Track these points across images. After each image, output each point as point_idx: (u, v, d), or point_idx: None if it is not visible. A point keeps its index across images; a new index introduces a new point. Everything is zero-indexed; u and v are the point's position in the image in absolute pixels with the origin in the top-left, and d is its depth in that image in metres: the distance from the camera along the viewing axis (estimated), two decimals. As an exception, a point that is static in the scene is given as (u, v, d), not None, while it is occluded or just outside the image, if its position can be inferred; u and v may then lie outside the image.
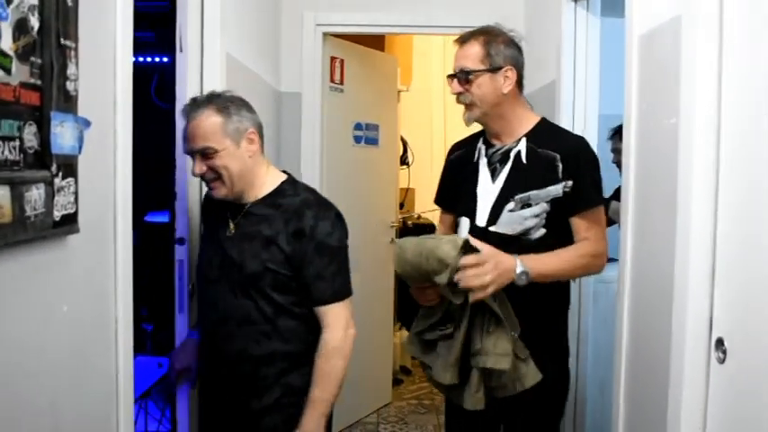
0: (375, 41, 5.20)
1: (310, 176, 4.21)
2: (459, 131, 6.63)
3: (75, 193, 1.43)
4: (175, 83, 2.43)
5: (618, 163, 3.89)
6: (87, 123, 1.46)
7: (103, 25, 1.64)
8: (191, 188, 2.49)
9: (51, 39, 1.31)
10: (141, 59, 5.06)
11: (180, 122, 2.41)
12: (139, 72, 4.69)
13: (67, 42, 1.37)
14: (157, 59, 4.41)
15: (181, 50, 2.44)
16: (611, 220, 3.68)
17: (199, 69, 2.61)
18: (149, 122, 2.41)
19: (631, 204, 2.34)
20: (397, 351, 5.77)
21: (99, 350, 1.66)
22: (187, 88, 2.44)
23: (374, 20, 4.24)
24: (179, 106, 2.43)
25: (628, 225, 2.35)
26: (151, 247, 3.64)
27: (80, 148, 1.44)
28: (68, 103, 1.38)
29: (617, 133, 3.87)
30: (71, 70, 1.39)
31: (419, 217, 6.57)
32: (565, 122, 3.29)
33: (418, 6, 4.22)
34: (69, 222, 1.41)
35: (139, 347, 4.41)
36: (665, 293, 2.00)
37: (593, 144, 3.32)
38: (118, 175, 1.69)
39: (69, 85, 1.38)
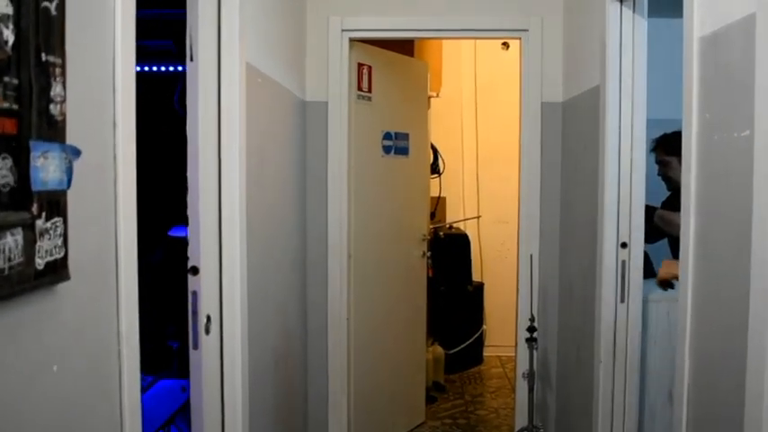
0: (404, 46, 4.99)
1: (338, 190, 4.01)
2: (491, 137, 6.52)
3: (64, 235, 1.22)
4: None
5: (664, 176, 3.64)
6: (77, 152, 1.26)
7: (98, 36, 1.43)
8: (206, 211, 2.29)
9: (30, 55, 1.11)
10: (162, 69, 4.94)
11: (192, 138, 2.22)
12: (160, 82, 4.60)
13: (51, 58, 1.17)
14: (180, 69, 4.26)
15: (192, 59, 2.24)
16: (659, 229, 3.45)
17: (216, 80, 2.42)
18: (173, 133, 2.23)
19: (693, 232, 2.10)
20: (431, 367, 5.56)
21: (99, 412, 1.45)
22: (199, 101, 2.24)
23: (403, 24, 4.02)
24: (190, 120, 2.24)
25: (689, 254, 2.11)
26: (176, 262, 3.47)
27: (69, 181, 1.23)
28: (53, 129, 1.18)
29: (660, 144, 3.63)
30: (56, 91, 1.19)
31: (451, 227, 6.35)
32: (610, 129, 3.06)
33: (449, 9, 3.99)
34: (56, 270, 1.20)
35: (165, 366, 4.27)
36: (736, 339, 1.77)
37: (642, 152, 3.09)
38: (119, 207, 1.48)
39: (54, 109, 1.18)
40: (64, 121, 1.21)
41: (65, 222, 1.23)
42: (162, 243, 4.38)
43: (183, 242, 3.85)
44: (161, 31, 4.58)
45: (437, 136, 6.05)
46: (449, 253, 6.08)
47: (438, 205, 6.18)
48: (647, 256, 3.25)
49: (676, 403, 2.20)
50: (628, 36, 3.06)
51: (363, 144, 4.30)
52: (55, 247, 1.19)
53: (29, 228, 1.11)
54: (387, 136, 4.55)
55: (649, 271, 3.37)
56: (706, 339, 2.04)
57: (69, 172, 1.24)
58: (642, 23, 3.05)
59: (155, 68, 4.97)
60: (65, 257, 1.23)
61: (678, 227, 3.37)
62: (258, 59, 2.75)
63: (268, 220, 3.02)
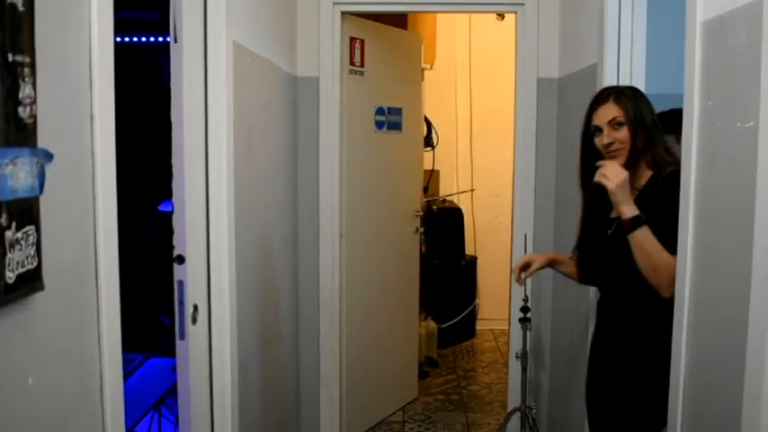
0: (397, 19, 4.89)
1: (329, 167, 3.94)
2: (485, 109, 6.44)
3: (37, 244, 1.16)
4: (170, 77, 2.14)
5: None
6: (49, 156, 1.19)
7: (72, 27, 1.35)
8: (192, 198, 2.22)
9: (-6, 55, 1.04)
10: (148, 40, 4.82)
11: (176, 122, 2.14)
12: (147, 54, 4.50)
13: (18, 58, 1.09)
14: (169, 39, 4.16)
15: (176, 41, 2.15)
16: None
17: (202, 61, 2.34)
18: (162, 106, 2.16)
19: (692, 224, 2.04)
20: (423, 342, 5.54)
21: (79, 423, 1.39)
22: (184, 84, 2.15)
23: (396, -3, 3.92)
24: (175, 103, 2.16)
25: (687, 245, 2.05)
26: (166, 237, 3.42)
27: (41, 186, 1.17)
28: (22, 133, 1.11)
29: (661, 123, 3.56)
30: (25, 92, 1.11)
31: (444, 201, 6.29)
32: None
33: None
34: (29, 281, 1.14)
35: (157, 342, 4.23)
36: (736, 338, 1.72)
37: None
38: (98, 207, 1.41)
39: (23, 112, 1.11)
40: (34, 123, 1.14)
41: (38, 230, 1.16)
42: (152, 218, 4.32)
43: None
44: (148, 1, 4.48)
45: (431, 109, 5.97)
46: (442, 227, 6.03)
47: (431, 179, 6.11)
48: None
49: (672, 392, 2.16)
50: (626, 13, 2.97)
51: (356, 119, 4.22)
52: (27, 257, 1.13)
53: (-3, 240, 1.05)
54: (380, 111, 4.47)
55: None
56: (704, 331, 2.00)
57: (41, 177, 1.17)
58: (641, 0, 2.97)
59: (143, 39, 4.87)
60: (38, 267, 1.17)
61: None
62: (246, 37, 2.67)
63: (258, 203, 2.96)
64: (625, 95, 2.35)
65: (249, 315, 2.72)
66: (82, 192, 1.38)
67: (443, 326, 6.06)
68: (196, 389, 2.28)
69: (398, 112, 4.63)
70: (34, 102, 1.14)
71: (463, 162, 6.64)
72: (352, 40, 4.12)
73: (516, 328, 3.90)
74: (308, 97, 3.89)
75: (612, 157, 2.31)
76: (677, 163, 2.18)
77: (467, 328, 6.37)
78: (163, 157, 2.36)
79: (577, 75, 3.48)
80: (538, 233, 3.97)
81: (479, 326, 6.57)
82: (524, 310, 3.83)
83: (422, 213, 5.13)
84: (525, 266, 2.65)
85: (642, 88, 3.00)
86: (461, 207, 6.34)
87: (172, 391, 3.50)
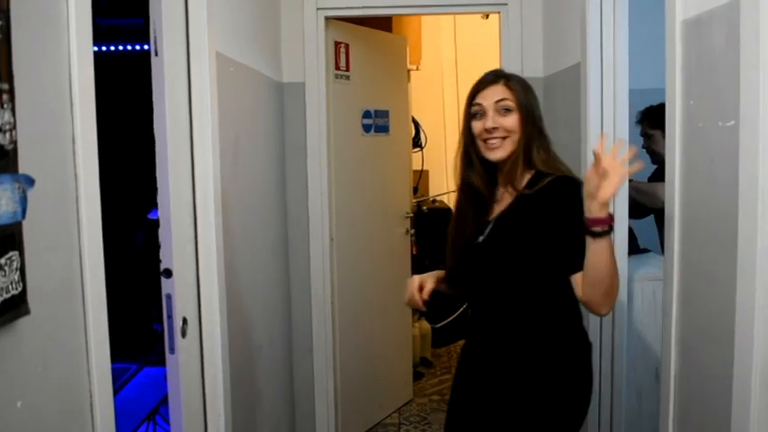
0: (381, 21, 4.89)
1: (317, 172, 3.94)
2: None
3: (21, 269, 1.16)
4: (151, 91, 2.14)
5: (648, 148, 3.60)
6: (31, 181, 1.19)
7: (50, 52, 1.35)
8: (178, 212, 2.22)
9: (-28, 84, 1.04)
10: (133, 48, 4.81)
11: (160, 135, 2.14)
12: (132, 62, 4.49)
13: (-4, 85, 1.10)
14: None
15: (156, 54, 2.15)
16: (645, 204, 3.39)
17: (185, 73, 2.33)
18: (150, 113, 2.16)
19: (677, 222, 2.06)
20: (417, 343, 5.55)
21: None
22: (166, 96, 2.15)
23: (379, 1, 3.92)
24: (157, 116, 2.15)
25: (674, 242, 2.07)
26: (156, 244, 3.43)
27: (23, 211, 1.17)
28: (3, 160, 1.11)
29: (645, 117, 3.58)
30: (4, 118, 1.11)
31: (434, 201, 6.29)
32: (592, 107, 3.00)
33: (427, -16, 3.90)
34: (14, 306, 1.14)
35: (150, 349, 4.22)
36: (723, 324, 1.73)
37: (624, 131, 3.03)
38: (83, 227, 1.41)
39: (2, 138, 1.11)
40: (15, 149, 1.14)
41: (21, 255, 1.16)
42: (142, 224, 4.32)
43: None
44: (132, 9, 4.46)
45: (418, 109, 5.97)
46: (432, 227, 6.03)
47: (420, 179, 6.11)
48: (632, 233, 3.21)
49: (663, 383, 2.18)
50: (608, 13, 2.98)
51: (343, 124, 4.22)
52: (11, 283, 1.13)
53: (-20, 268, 1.05)
54: (366, 114, 4.47)
55: (634, 247, 3.34)
56: (691, 337, 2.01)
57: (24, 202, 1.17)
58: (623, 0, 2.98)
59: (129, 48, 4.86)
60: (23, 292, 1.17)
61: (650, 196, 3.35)
62: (229, 47, 2.67)
63: (246, 211, 2.95)
64: (517, 81, 2.09)
65: (240, 324, 2.72)
66: (66, 214, 1.38)
67: (437, 326, 6.04)
68: (188, 401, 2.28)
69: (385, 114, 4.63)
70: (14, 128, 1.14)
71: (452, 161, 6.64)
72: (337, 44, 4.12)
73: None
74: (295, 103, 3.90)
75: (491, 149, 2.04)
76: (557, 164, 2.06)
77: (460, 328, 6.36)
78: (152, 162, 2.36)
79: (562, 74, 3.49)
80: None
81: (473, 324, 6.57)
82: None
83: (412, 215, 5.14)
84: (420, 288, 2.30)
85: (626, 87, 3.02)
86: (451, 207, 6.33)
87: (166, 400, 3.51)
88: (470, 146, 2.12)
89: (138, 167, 3.73)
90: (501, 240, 2.05)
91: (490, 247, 2.06)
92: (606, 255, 1.83)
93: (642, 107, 3.61)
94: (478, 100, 2.09)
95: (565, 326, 2.09)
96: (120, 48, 4.82)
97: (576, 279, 1.93)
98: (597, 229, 1.80)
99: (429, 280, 2.29)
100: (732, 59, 1.71)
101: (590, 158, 2.98)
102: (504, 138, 2.03)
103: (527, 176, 2.06)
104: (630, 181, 3.37)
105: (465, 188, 2.16)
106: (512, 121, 2.02)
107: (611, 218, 1.82)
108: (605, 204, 1.79)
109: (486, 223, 2.10)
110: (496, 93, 2.05)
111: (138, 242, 4.69)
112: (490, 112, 2.04)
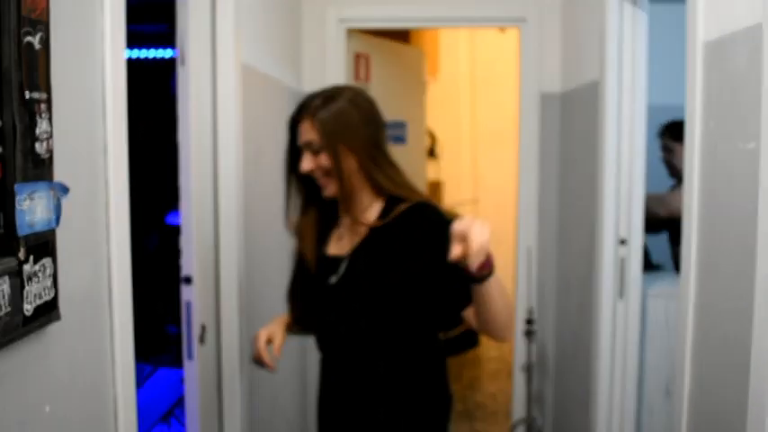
0: (400, 33, 4.92)
1: (334, 182, 3.96)
2: (488, 120, 6.46)
3: (53, 276, 1.19)
4: (177, 101, 2.17)
5: (667, 161, 3.61)
6: (65, 189, 1.22)
7: (86, 63, 1.39)
8: (200, 218, 2.25)
9: (12, 94, 1.06)
10: (154, 54, 4.85)
11: (184, 143, 2.17)
12: (155, 68, 4.53)
13: (35, 95, 1.12)
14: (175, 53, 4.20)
15: (183, 63, 2.18)
16: (662, 219, 3.40)
17: (210, 84, 2.37)
18: (170, 118, 2.18)
19: (695, 240, 2.07)
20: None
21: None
22: (190, 106, 2.18)
23: (401, 14, 3.94)
24: (182, 124, 2.18)
25: (691, 263, 2.07)
26: (173, 248, 3.46)
27: (57, 219, 1.20)
28: (39, 168, 1.14)
29: (668, 129, 3.60)
30: (42, 128, 1.14)
31: (448, 213, 6.30)
32: (609, 128, 3.01)
33: (446, -1, 3.93)
34: (46, 312, 1.17)
35: (164, 351, 4.24)
36: (739, 342, 1.74)
37: (641, 149, 3.04)
38: (112, 235, 1.44)
39: (39, 147, 1.14)
40: (51, 158, 1.17)
41: (54, 262, 1.19)
42: (158, 229, 4.35)
43: (179, 229, 3.84)
44: (155, 15, 4.51)
45: (434, 120, 6.00)
46: (446, 238, 6.04)
47: (436, 191, 6.14)
48: (645, 249, 3.22)
49: (676, 399, 2.18)
50: (628, 31, 2.99)
51: (360, 134, 4.24)
52: (44, 289, 1.16)
53: (16, 274, 1.08)
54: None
55: (647, 263, 3.35)
56: (708, 351, 2.02)
57: (58, 209, 1.20)
58: (643, 17, 2.99)
59: (152, 55, 4.90)
60: (55, 298, 1.20)
61: (664, 204, 3.36)
62: (254, 58, 2.70)
63: (265, 219, 2.98)
64: (326, 111, 1.81)
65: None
66: (96, 221, 1.41)
67: (448, 335, 6.06)
68: (204, 407, 2.31)
69: (402, 126, 4.66)
70: (50, 137, 1.17)
71: (466, 173, 6.67)
72: (357, 56, 4.15)
73: (521, 340, 3.92)
74: (314, 113, 3.92)
75: (321, 186, 1.84)
76: (409, 189, 1.87)
77: (471, 337, 6.38)
78: (169, 166, 2.39)
79: (579, 90, 3.51)
80: (541, 247, 3.99)
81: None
82: (529, 322, 3.86)
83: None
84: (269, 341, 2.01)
85: (644, 105, 3.03)
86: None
87: (181, 402, 3.53)
88: (306, 180, 1.90)
89: (152, 171, 3.78)
90: (357, 280, 1.84)
91: (345, 287, 1.85)
92: (496, 294, 1.65)
93: (659, 123, 3.63)
94: (299, 138, 1.87)
95: (420, 370, 1.89)
96: (139, 53, 4.87)
97: (468, 314, 1.77)
98: (484, 272, 1.59)
99: (278, 332, 2.02)
100: (754, 82, 1.72)
101: (606, 179, 3.01)
102: (326, 175, 1.83)
103: (377, 206, 1.87)
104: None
105: (306, 224, 1.97)
106: (325, 159, 1.80)
107: (490, 258, 1.59)
108: (480, 252, 1.52)
109: (337, 261, 1.88)
110: (304, 132, 1.84)
111: (152, 245, 4.73)
112: (305, 153, 1.83)
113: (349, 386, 1.88)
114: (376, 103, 1.93)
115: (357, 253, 1.85)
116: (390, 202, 1.84)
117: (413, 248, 1.77)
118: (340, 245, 1.90)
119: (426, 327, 1.86)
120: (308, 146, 1.81)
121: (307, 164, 1.81)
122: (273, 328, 2.02)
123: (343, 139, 1.79)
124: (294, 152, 1.88)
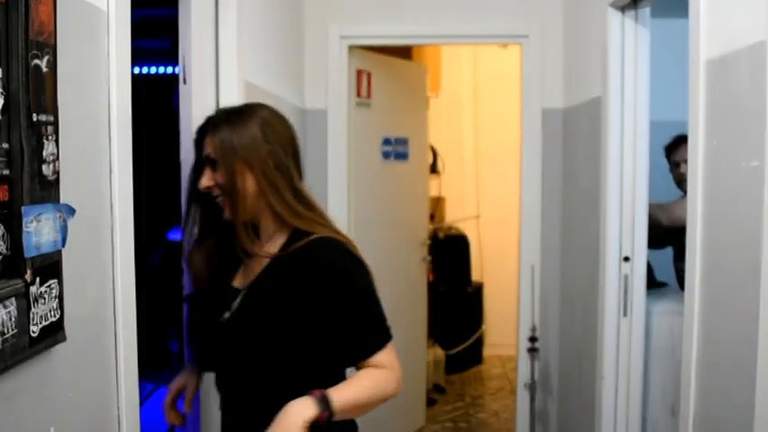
0: (402, 49, 4.94)
1: (337, 196, 3.98)
2: (491, 136, 6.47)
3: (59, 297, 1.19)
4: (179, 119, 2.18)
5: (677, 177, 3.51)
6: (71, 211, 1.22)
7: (92, 85, 1.39)
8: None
9: (20, 117, 1.07)
10: (160, 70, 4.87)
11: (186, 163, 2.17)
12: (157, 84, 4.54)
13: (42, 117, 1.13)
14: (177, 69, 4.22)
15: (185, 82, 2.19)
16: (665, 234, 3.37)
17: (214, 101, 2.38)
18: (172, 134, 2.18)
19: (699, 258, 2.07)
20: (431, 369, 5.55)
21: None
22: (192, 124, 2.19)
23: (402, 31, 3.97)
24: (184, 146, 2.18)
25: (695, 280, 2.07)
26: (174, 265, 3.46)
27: (63, 240, 1.20)
28: (46, 190, 1.14)
29: (676, 145, 3.54)
30: (48, 150, 1.15)
31: (450, 228, 6.31)
32: (612, 140, 3.02)
33: (449, 16, 3.94)
34: (52, 333, 1.17)
35: (165, 367, 4.23)
36: (745, 360, 1.74)
37: (644, 166, 3.03)
38: (116, 255, 1.44)
39: (46, 169, 1.14)
40: (57, 179, 1.18)
41: (60, 283, 1.19)
42: (160, 244, 4.35)
43: (181, 245, 3.83)
44: (157, 30, 4.53)
45: (436, 136, 6.01)
46: (448, 254, 6.05)
47: (437, 206, 6.14)
48: (649, 267, 3.21)
49: (682, 418, 2.17)
50: (630, 47, 3.01)
51: (363, 150, 4.26)
52: (50, 310, 1.16)
53: (23, 296, 1.08)
54: (386, 141, 4.50)
55: (651, 280, 3.34)
56: (713, 357, 2.02)
57: (64, 231, 1.20)
58: (645, 34, 3.01)
59: (153, 70, 4.92)
60: (61, 319, 1.20)
61: (667, 213, 3.29)
62: (257, 76, 2.71)
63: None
64: (228, 126, 1.69)
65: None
66: (101, 242, 1.41)
67: (450, 352, 6.05)
68: (206, 424, 2.30)
69: (404, 142, 4.67)
70: (57, 158, 1.17)
71: (469, 189, 6.68)
72: (359, 72, 4.17)
73: (524, 358, 3.91)
74: (317, 129, 3.94)
75: (222, 206, 1.70)
76: (312, 221, 1.73)
77: (474, 354, 6.36)
78: (171, 183, 2.39)
79: (582, 106, 3.52)
80: (544, 264, 3.98)
81: (486, 352, 6.55)
82: (532, 339, 3.85)
83: (429, 242, 5.16)
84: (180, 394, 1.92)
85: (647, 121, 3.03)
86: (467, 233, 6.35)
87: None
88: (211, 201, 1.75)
89: (154, 186, 3.79)
90: (250, 313, 1.69)
91: (238, 322, 1.69)
92: (356, 411, 1.71)
93: (662, 140, 3.61)
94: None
95: None
96: (140, 69, 4.89)
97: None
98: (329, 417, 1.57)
99: (190, 383, 1.91)
100: (757, 100, 1.73)
101: (609, 197, 3.00)
102: (224, 194, 1.69)
103: (281, 238, 1.74)
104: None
105: (200, 253, 1.82)
106: (221, 176, 1.67)
107: (326, 414, 1.56)
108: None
109: (231, 296, 1.74)
110: (206, 146, 1.71)
111: (154, 263, 4.72)
112: (206, 168, 1.70)
113: (247, 424, 1.72)
114: (293, 131, 1.82)
115: (254, 285, 1.72)
116: (296, 233, 1.71)
117: (303, 285, 1.66)
118: (245, 274, 1.76)
119: (326, 361, 1.74)
120: (208, 160, 1.69)
121: (205, 180, 1.68)
122: (184, 380, 1.92)
123: (241, 157, 1.65)
124: (198, 168, 1.74)
